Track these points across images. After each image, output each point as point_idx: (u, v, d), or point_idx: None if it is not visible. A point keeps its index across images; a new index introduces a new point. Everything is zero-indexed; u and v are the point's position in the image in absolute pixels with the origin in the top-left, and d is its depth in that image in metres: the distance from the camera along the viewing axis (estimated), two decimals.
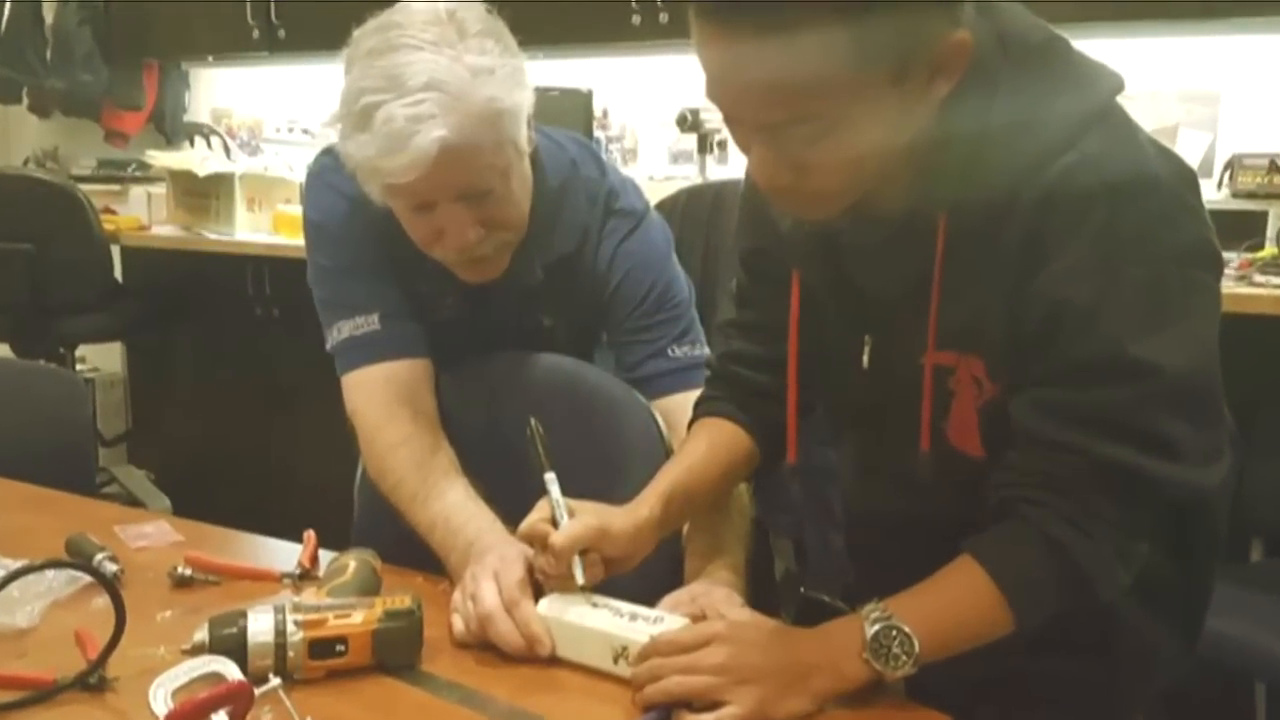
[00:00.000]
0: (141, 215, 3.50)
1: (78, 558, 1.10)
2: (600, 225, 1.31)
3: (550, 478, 1.02)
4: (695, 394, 1.18)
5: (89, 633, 0.92)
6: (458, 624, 0.98)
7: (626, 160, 3.26)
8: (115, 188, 3.75)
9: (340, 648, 0.90)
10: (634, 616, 0.95)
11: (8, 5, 3.90)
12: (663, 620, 0.94)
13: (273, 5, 3.37)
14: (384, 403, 1.23)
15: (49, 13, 3.93)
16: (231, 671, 0.85)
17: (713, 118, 2.57)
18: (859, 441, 1.09)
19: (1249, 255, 2.03)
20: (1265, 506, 1.63)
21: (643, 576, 1.03)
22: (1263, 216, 2.14)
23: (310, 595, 1.00)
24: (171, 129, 4.04)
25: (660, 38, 2.70)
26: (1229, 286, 1.87)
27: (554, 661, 0.95)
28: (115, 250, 3.29)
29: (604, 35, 2.83)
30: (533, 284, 1.29)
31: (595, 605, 0.96)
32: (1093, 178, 0.84)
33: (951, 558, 0.91)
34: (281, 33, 3.38)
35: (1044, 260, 0.86)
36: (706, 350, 1.27)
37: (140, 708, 0.82)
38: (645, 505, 1.03)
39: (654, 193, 1.58)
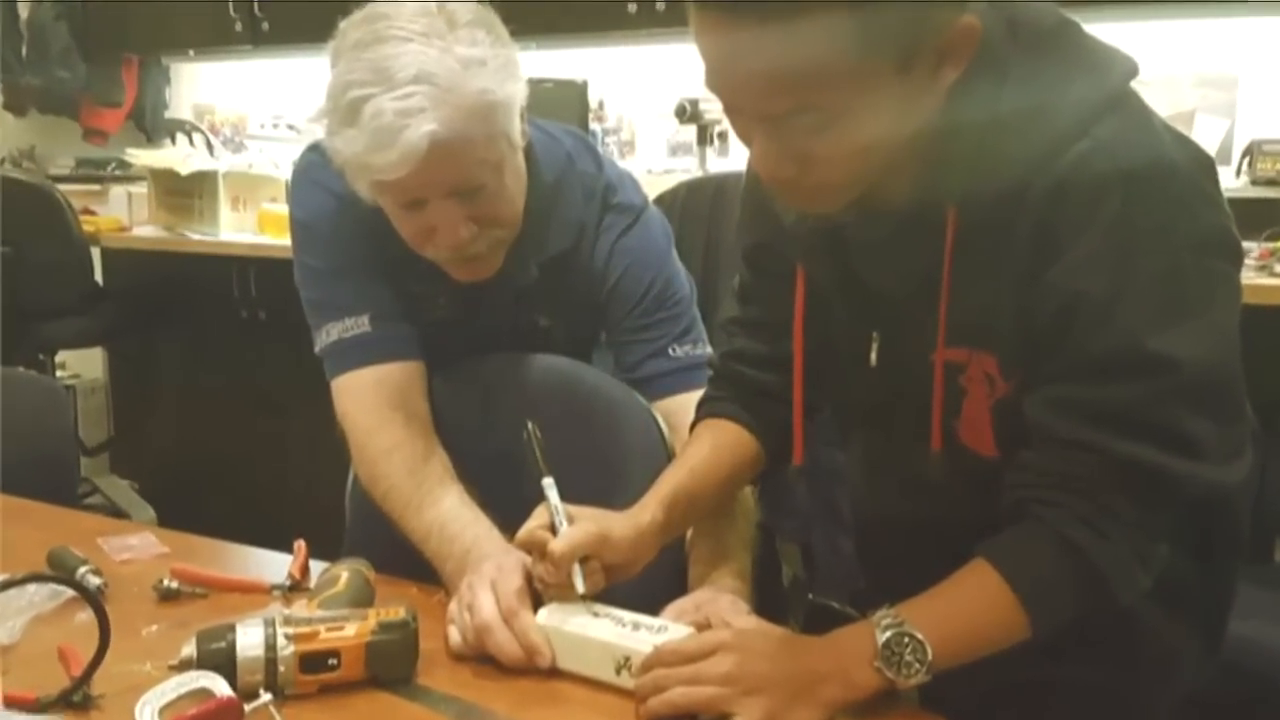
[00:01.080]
0: (122, 216, 3.47)
1: (60, 571, 1.09)
2: (597, 221, 1.29)
3: (548, 483, 1.00)
4: (697, 394, 1.17)
5: (72, 649, 0.92)
6: (454, 635, 0.97)
7: (624, 153, 3.25)
8: (95, 187, 3.74)
9: (332, 661, 0.89)
10: (636, 626, 0.93)
11: None
12: (666, 629, 0.93)
13: None
14: (375, 407, 1.22)
15: (24, 8, 3.90)
16: (220, 687, 0.84)
17: (713, 108, 2.55)
18: (867, 442, 1.08)
19: (1269, 244, 2.01)
20: None
21: (645, 584, 1.02)
22: None
23: (301, 607, 1.00)
24: (152, 126, 4.03)
25: (657, 26, 2.70)
26: (1249, 277, 1.84)
27: (554, 673, 0.93)
28: (95, 252, 3.27)
29: (599, 24, 2.83)
30: (528, 283, 1.28)
31: (596, 614, 0.95)
32: (1107, 166, 0.83)
33: (965, 561, 0.90)
34: (265, 25, 3.36)
35: (1057, 252, 0.85)
36: (708, 349, 1.26)
37: None
38: (647, 510, 1.02)
39: (652, 187, 1.57)
